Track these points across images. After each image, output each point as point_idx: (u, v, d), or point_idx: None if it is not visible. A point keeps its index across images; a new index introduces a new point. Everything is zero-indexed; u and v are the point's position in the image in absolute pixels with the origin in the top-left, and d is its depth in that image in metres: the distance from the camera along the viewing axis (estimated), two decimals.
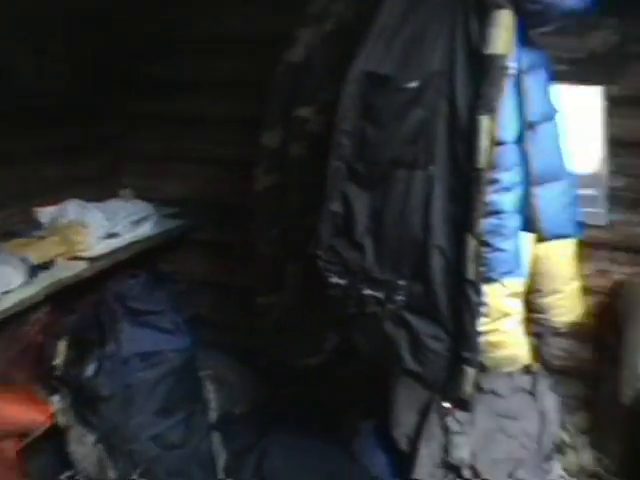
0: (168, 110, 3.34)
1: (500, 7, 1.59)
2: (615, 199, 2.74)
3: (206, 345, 2.96)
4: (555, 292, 1.97)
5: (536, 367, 2.50)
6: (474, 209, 1.56)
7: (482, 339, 1.68)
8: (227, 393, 2.87)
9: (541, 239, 1.88)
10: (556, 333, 2.79)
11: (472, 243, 1.56)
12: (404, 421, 2.61)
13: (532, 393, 2.56)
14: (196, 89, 3.28)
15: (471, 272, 1.59)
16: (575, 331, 2.86)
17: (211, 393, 2.80)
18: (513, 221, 1.66)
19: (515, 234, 1.67)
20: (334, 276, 1.81)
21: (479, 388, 2.47)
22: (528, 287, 1.93)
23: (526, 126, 1.80)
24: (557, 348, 2.92)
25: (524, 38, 1.79)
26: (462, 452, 2.45)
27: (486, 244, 1.61)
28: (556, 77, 2.55)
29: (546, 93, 1.88)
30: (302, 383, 2.84)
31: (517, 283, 1.70)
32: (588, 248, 2.76)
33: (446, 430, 2.51)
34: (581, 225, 2.12)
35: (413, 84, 1.67)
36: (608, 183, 2.72)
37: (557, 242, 1.91)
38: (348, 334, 1.99)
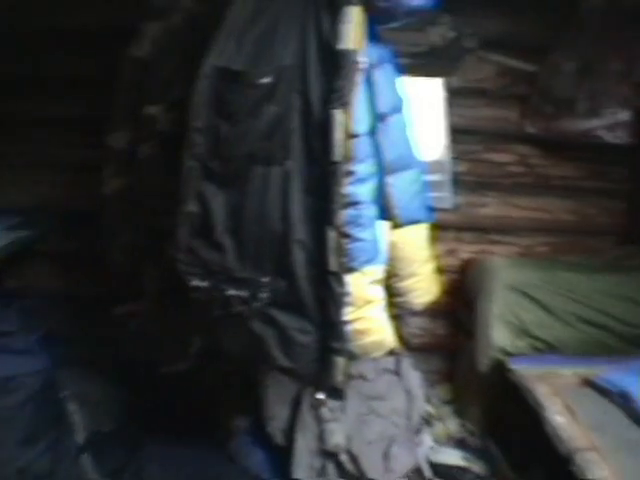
0: (4, 110, 3.05)
1: (351, 4, 1.64)
2: (458, 183, 2.94)
3: (64, 363, 2.78)
4: (412, 275, 2.06)
5: (398, 348, 2.60)
6: (332, 202, 1.59)
7: (349, 328, 1.72)
8: (92, 411, 2.69)
9: (396, 226, 1.95)
10: (413, 313, 2.94)
11: (332, 235, 1.59)
12: (277, 415, 2.61)
13: (397, 373, 2.66)
14: (35, 87, 3.01)
15: (333, 263, 1.62)
16: (430, 310, 3.04)
17: (75, 414, 2.62)
18: (370, 211, 1.71)
19: (373, 223, 1.73)
20: (195, 279, 1.78)
21: (347, 374, 2.55)
22: (387, 273, 2.00)
23: (377, 118, 1.85)
24: (416, 327, 3.09)
25: (373, 34, 1.85)
26: (337, 438, 2.49)
27: (346, 235, 1.65)
28: (402, 70, 2.71)
29: (394, 86, 1.95)
30: (172, 390, 2.76)
31: (377, 270, 1.75)
32: (437, 230, 2.95)
33: (319, 419, 2.54)
34: (432, 210, 2.21)
35: (266, 79, 1.66)
36: (452, 169, 2.90)
37: (411, 228, 1.99)
38: (215, 336, 1.95)
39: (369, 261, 1.70)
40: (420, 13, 1.83)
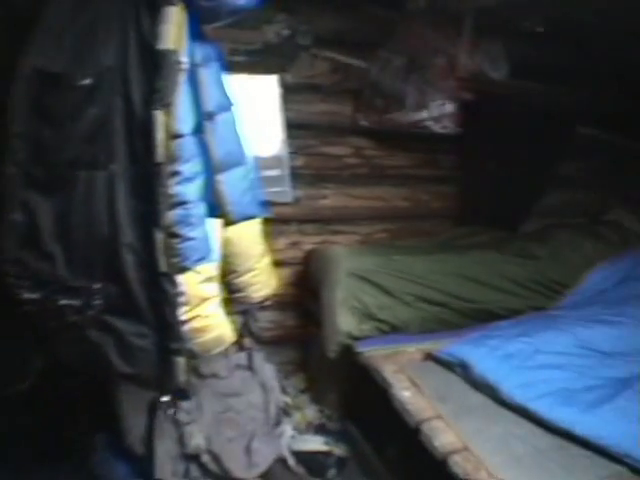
0: None
1: (170, 3, 1.62)
2: (297, 177, 3.02)
3: None
4: (250, 270, 2.08)
5: (248, 343, 2.62)
6: (158, 203, 1.58)
7: (186, 327, 1.72)
8: None
9: (230, 222, 1.97)
10: (262, 307, 2.99)
11: (160, 236, 1.59)
12: (134, 425, 2.54)
13: (250, 368, 2.68)
14: None
15: (163, 265, 1.61)
16: (279, 302, 3.11)
17: None
18: (199, 209, 1.71)
19: (203, 221, 1.73)
20: (26, 291, 1.70)
21: (200, 374, 2.55)
22: (224, 270, 2.02)
23: (205, 117, 1.85)
24: (266, 321, 3.13)
25: (198, 32, 1.83)
26: (196, 440, 2.47)
27: (176, 235, 1.64)
28: (236, 68, 2.72)
29: (221, 84, 1.94)
30: (22, 410, 2.62)
31: (210, 268, 1.76)
32: (280, 224, 3.02)
33: (177, 423, 2.52)
34: (265, 204, 2.25)
35: (87, 81, 1.61)
36: (290, 163, 2.97)
37: (245, 223, 2.01)
38: (53, 350, 1.88)
39: (202, 259, 1.70)
40: (244, 12, 1.84)
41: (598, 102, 3.18)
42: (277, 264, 3.03)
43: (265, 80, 2.89)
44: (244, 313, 2.54)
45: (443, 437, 2.04)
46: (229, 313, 1.90)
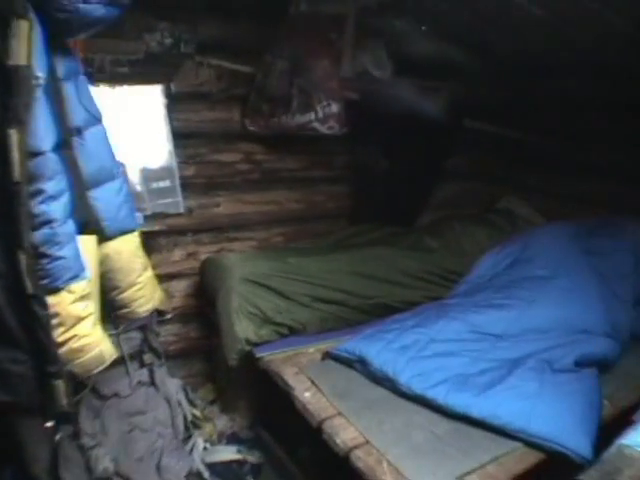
0: None
1: (20, 17, 1.55)
2: (189, 187, 2.99)
3: None
4: (132, 285, 2.04)
5: (149, 358, 2.57)
6: (19, 223, 1.52)
7: (63, 349, 1.67)
8: None
9: (107, 238, 1.92)
10: (162, 321, 2.95)
11: (23, 258, 1.53)
12: (38, 457, 2.44)
13: (153, 384, 2.64)
14: None
15: (30, 287, 1.55)
16: (180, 314, 3.08)
17: None
18: (67, 227, 1.66)
19: (72, 239, 1.67)
20: None
21: (101, 395, 2.48)
22: (106, 287, 1.97)
23: (71, 132, 1.80)
24: (169, 335, 3.10)
25: (59, 46, 1.78)
26: (104, 463, 2.41)
27: (44, 255, 1.59)
28: (118, 79, 2.67)
29: (88, 98, 1.89)
30: None
31: (84, 286, 1.71)
32: (175, 235, 2.99)
33: (82, 448, 2.44)
34: (140, 217, 2.22)
35: None
36: (180, 173, 2.93)
37: (123, 238, 1.97)
38: None
39: (74, 278, 1.65)
40: (104, 23, 1.81)
41: (481, 96, 3.30)
42: (174, 276, 3.05)
43: (149, 90, 2.85)
44: (143, 329, 2.50)
45: (344, 434, 2.06)
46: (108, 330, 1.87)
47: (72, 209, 1.68)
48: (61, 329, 1.64)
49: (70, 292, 1.64)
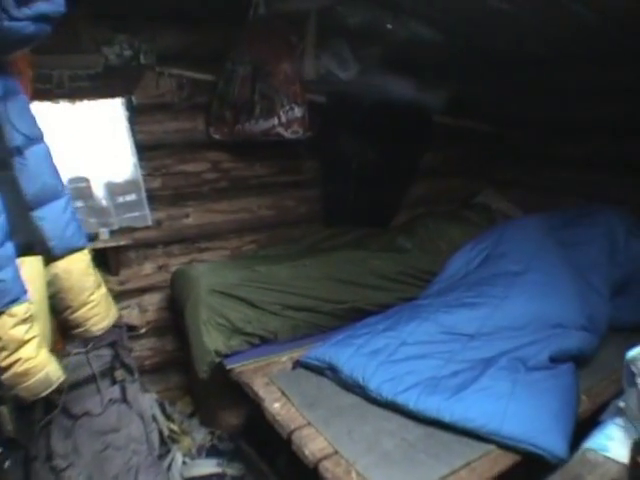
0: None
1: None
2: (156, 199, 2.96)
3: None
4: (85, 304, 1.99)
5: (121, 375, 2.54)
6: None
7: (7, 374, 1.62)
8: None
9: (55, 258, 1.88)
10: (136, 336, 2.91)
11: None
12: None
13: (125, 400, 2.60)
14: None
15: None
16: (155, 328, 3.05)
17: None
18: (4, 250, 1.61)
19: (10, 262, 1.62)
20: None
21: (71, 415, 2.44)
22: (58, 307, 1.93)
23: (12, 153, 1.76)
24: (144, 349, 3.07)
25: None
26: None
27: None
28: (77, 94, 2.63)
29: (28, 117, 1.84)
30: None
31: (24, 308, 1.66)
32: (145, 249, 2.95)
33: (54, 470, 2.41)
34: (88, 234, 2.18)
35: None
36: (146, 186, 2.90)
37: (72, 257, 1.93)
38: None
39: (13, 301, 1.61)
40: (36, 41, 1.76)
41: (450, 92, 3.26)
42: (147, 290, 3.01)
43: (110, 104, 2.81)
44: (113, 345, 2.46)
45: (313, 444, 2.03)
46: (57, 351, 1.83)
47: (9, 231, 1.64)
48: (4, 353, 1.59)
49: (11, 315, 1.60)
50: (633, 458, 1.35)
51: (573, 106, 3.27)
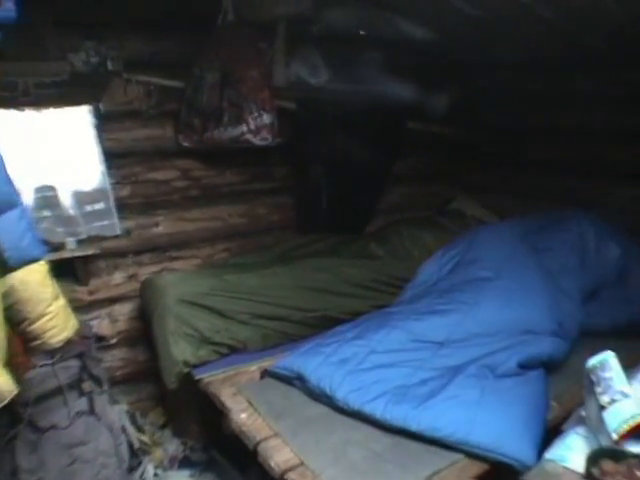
0: None
1: None
2: (126, 207, 2.92)
3: None
4: (42, 316, 1.95)
5: (89, 386, 2.50)
6: None
7: None
8: None
9: (10, 269, 1.84)
10: (106, 347, 2.88)
11: None
12: None
13: (93, 413, 2.56)
14: None
15: None
16: (126, 339, 3.01)
17: None
18: None
19: None
20: None
21: (37, 428, 2.40)
22: (15, 319, 1.89)
23: None
24: (116, 360, 3.02)
25: None
26: None
27: None
28: (43, 102, 2.60)
29: None
30: None
31: None
32: (115, 258, 2.92)
33: None
34: (45, 243, 2.15)
35: None
36: (115, 194, 2.86)
37: (29, 268, 1.89)
38: None
39: None
40: None
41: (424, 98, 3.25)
42: (117, 300, 2.97)
43: (77, 111, 2.77)
44: (80, 356, 2.43)
45: (279, 455, 2.00)
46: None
47: None
48: None
49: None
50: (588, 470, 1.33)
51: (544, 112, 3.28)
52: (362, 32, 3.16)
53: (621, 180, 3.06)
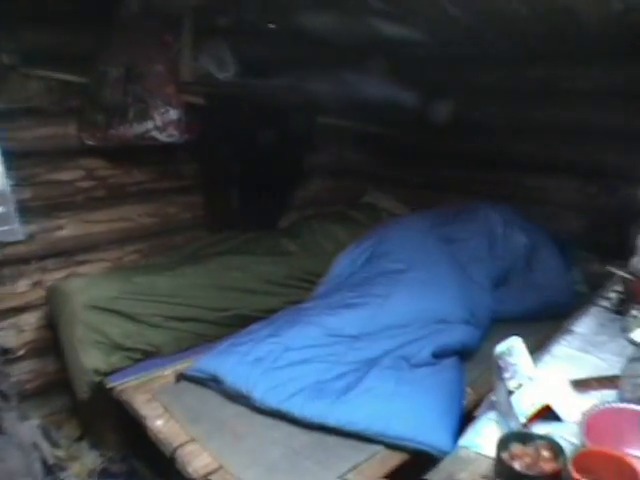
0: None
1: None
2: (27, 211, 2.76)
3: None
4: None
5: None
6: None
7: None
8: None
9: None
10: (13, 359, 2.74)
11: None
12: None
13: (1, 432, 2.44)
14: None
15: None
16: (33, 349, 2.87)
17: None
18: None
19: None
20: None
21: None
22: None
23: None
24: (24, 373, 2.88)
25: None
26: None
27: None
28: None
29: None
30: None
31: None
32: (17, 265, 2.77)
33: None
34: None
35: None
36: (15, 197, 2.69)
37: None
38: None
39: None
40: None
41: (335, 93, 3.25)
42: (23, 309, 2.83)
43: None
44: None
45: (197, 461, 1.95)
46: None
47: None
48: None
49: None
50: (497, 454, 1.36)
51: (460, 105, 3.35)
52: (272, 25, 3.13)
53: (526, 172, 3.20)
